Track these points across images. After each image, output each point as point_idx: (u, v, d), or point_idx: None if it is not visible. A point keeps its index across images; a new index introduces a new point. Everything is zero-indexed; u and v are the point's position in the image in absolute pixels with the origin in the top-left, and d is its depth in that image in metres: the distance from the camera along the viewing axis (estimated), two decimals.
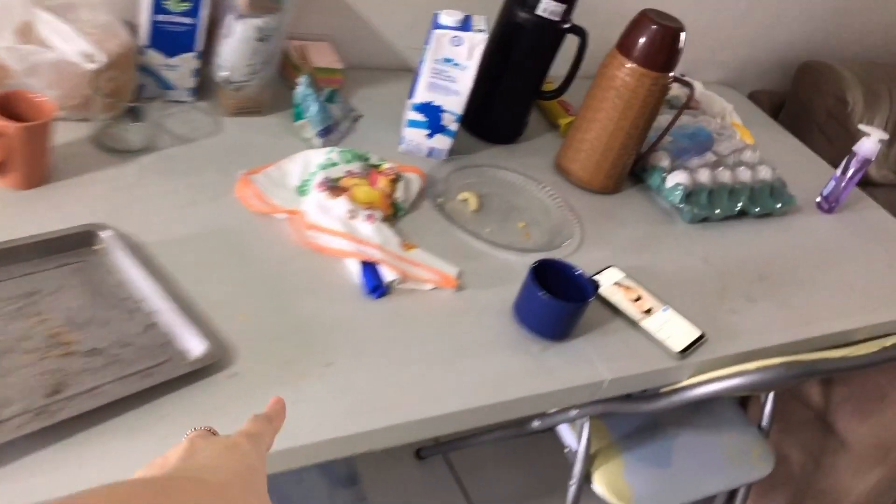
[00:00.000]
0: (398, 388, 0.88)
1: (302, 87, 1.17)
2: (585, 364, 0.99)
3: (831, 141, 1.89)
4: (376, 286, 0.97)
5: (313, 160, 1.11)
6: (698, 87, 1.65)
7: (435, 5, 1.24)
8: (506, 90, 1.31)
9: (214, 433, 0.55)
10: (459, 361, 0.93)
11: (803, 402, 1.68)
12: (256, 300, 0.91)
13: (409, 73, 1.43)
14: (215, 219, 1.00)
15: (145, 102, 1.07)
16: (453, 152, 1.27)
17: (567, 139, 1.34)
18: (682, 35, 1.21)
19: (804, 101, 1.91)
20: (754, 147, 1.53)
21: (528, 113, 1.38)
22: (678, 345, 1.06)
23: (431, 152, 1.25)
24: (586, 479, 1.30)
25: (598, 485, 1.29)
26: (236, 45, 1.11)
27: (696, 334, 1.08)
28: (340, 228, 1.01)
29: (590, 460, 1.29)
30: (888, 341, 1.14)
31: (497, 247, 1.11)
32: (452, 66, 1.16)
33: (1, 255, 0.82)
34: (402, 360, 0.91)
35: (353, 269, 0.99)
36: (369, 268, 0.99)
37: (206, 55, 1.14)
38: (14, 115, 0.90)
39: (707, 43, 1.82)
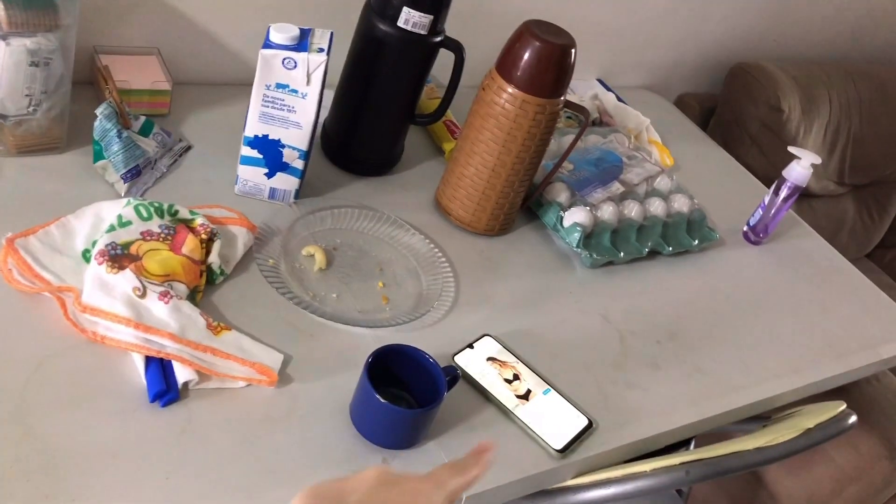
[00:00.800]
0: None
1: (100, 119, 0.94)
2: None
3: (765, 153, 1.71)
4: (161, 391, 0.75)
5: (107, 216, 0.88)
6: (610, 99, 1.45)
7: (288, 10, 1.02)
8: (371, 114, 1.09)
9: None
10: (274, 490, 0.73)
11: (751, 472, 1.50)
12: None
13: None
14: None
15: None
16: (307, 192, 1.06)
17: (446, 173, 1.13)
18: (572, 52, 1.00)
19: (736, 107, 1.72)
20: (672, 170, 1.34)
21: (401, 139, 1.16)
22: (558, 441, 0.86)
23: (274, 194, 1.03)
24: None
25: None
26: (5, 73, 0.88)
27: (583, 424, 0.89)
28: (123, 312, 0.79)
29: None
30: (810, 421, 0.96)
31: (342, 322, 0.90)
32: (289, 93, 0.94)
33: None
34: (194, 498, 0.70)
35: (137, 364, 0.78)
36: (156, 365, 0.77)
37: None
38: None
39: (627, 44, 1.62)
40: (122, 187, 0.95)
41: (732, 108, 1.73)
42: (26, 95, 0.90)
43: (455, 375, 0.83)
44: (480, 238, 1.13)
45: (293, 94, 0.94)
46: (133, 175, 0.96)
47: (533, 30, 0.99)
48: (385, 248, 1.04)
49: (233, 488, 0.72)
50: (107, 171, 0.95)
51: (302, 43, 0.93)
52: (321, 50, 0.93)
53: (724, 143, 1.66)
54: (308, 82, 0.93)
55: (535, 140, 1.04)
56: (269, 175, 1.01)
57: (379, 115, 1.10)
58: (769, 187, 1.31)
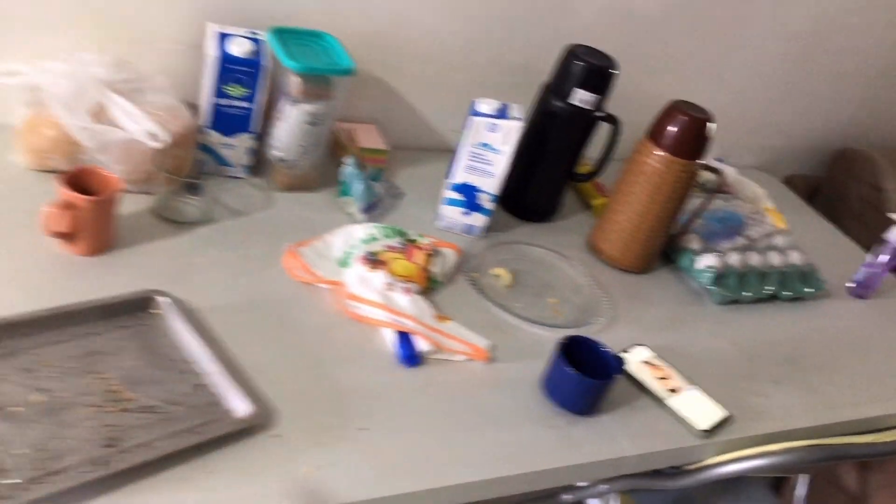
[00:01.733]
0: (429, 454, 0.92)
1: (348, 167, 1.25)
2: (610, 439, 1.03)
3: (867, 227, 1.91)
4: (411, 356, 1.02)
5: (355, 234, 1.18)
6: (731, 172, 1.69)
7: (473, 92, 1.32)
8: (541, 172, 1.38)
9: None
10: (488, 432, 0.98)
11: (839, 487, 1.66)
12: (298, 366, 0.97)
13: (448, 153, 1.51)
14: (263, 288, 1.07)
15: (204, 178, 1.16)
16: (489, 229, 1.34)
17: (600, 220, 1.39)
18: (711, 125, 1.27)
19: (840, 186, 1.94)
20: (787, 232, 1.56)
21: (562, 194, 1.44)
22: (703, 424, 1.08)
23: (468, 229, 1.31)
24: None
25: None
26: (289, 128, 1.20)
27: (722, 415, 1.11)
28: (378, 300, 1.07)
29: None
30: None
31: (527, 321, 1.16)
32: (489, 150, 1.23)
33: (65, 316, 0.90)
34: (433, 428, 0.95)
35: (390, 338, 1.05)
36: (405, 338, 1.04)
37: (262, 135, 1.23)
38: (84, 189, 0.99)
39: (742, 128, 1.87)
40: (361, 217, 1.25)
41: (837, 185, 1.95)
42: (300, 146, 1.22)
43: (622, 361, 1.07)
44: (627, 274, 1.38)
45: (492, 150, 1.23)
46: (369, 208, 1.26)
47: (680, 107, 1.27)
48: (553, 274, 1.30)
49: (463, 426, 0.97)
50: (349, 204, 1.26)
51: (502, 112, 1.23)
52: (517, 118, 1.23)
53: (830, 218, 1.87)
54: (505, 142, 1.22)
55: (677, 193, 1.30)
56: (466, 213, 1.29)
57: (548, 172, 1.38)
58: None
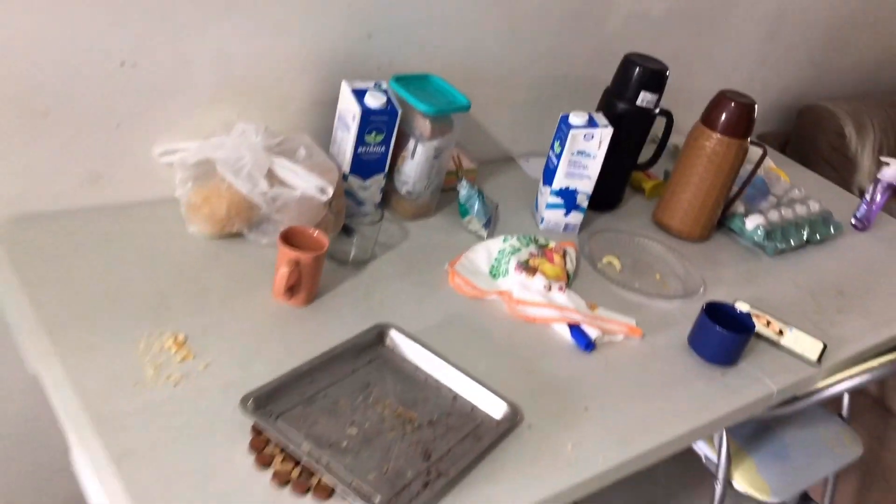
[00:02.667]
0: (640, 419, 1.11)
1: (465, 189, 1.41)
2: (756, 381, 1.24)
3: (836, 169, 2.22)
4: (588, 342, 1.20)
5: (493, 248, 1.34)
6: None
7: (530, 105, 1.49)
8: (610, 167, 1.57)
9: None
10: (668, 393, 1.17)
11: (864, 393, 1.96)
12: (509, 366, 1.13)
13: (510, 162, 1.70)
14: (444, 307, 1.22)
15: (350, 220, 1.29)
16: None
17: (664, 200, 1.61)
18: (755, 108, 1.50)
19: (808, 138, 2.24)
20: (795, 186, 1.83)
21: (627, 183, 1.65)
22: (813, 356, 1.32)
23: (567, 227, 1.50)
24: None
25: (740, 483, 1.54)
26: (417, 164, 1.35)
27: (821, 346, 1.35)
28: (543, 300, 1.24)
29: (729, 465, 1.54)
30: None
31: (651, 297, 1.37)
32: (585, 157, 1.42)
33: (334, 359, 1.03)
34: (631, 398, 1.14)
35: (561, 331, 1.23)
36: (575, 329, 1.22)
37: (389, 174, 1.37)
38: (295, 247, 1.11)
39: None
40: (483, 233, 1.41)
41: (806, 137, 2.25)
42: (426, 178, 1.37)
43: (751, 317, 1.29)
44: (693, 243, 1.60)
45: (587, 157, 1.42)
46: (488, 224, 1.42)
47: (728, 95, 1.49)
48: (645, 253, 1.51)
49: (649, 392, 1.16)
50: (471, 222, 1.41)
51: (592, 122, 1.42)
52: (606, 125, 1.42)
53: (803, 165, 2.17)
54: (599, 147, 1.41)
55: (733, 169, 1.53)
56: (566, 214, 1.48)
57: (616, 165, 1.58)
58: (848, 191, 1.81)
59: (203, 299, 1.09)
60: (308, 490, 0.87)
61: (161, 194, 1.26)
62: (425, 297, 1.23)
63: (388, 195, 1.40)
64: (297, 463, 0.89)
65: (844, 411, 1.77)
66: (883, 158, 1.80)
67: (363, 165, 1.32)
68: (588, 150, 1.41)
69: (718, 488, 1.54)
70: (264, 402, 0.93)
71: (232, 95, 1.26)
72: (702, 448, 1.58)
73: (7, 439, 1.37)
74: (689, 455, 1.61)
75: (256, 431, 0.91)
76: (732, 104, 1.49)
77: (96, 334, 0.99)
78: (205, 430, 0.90)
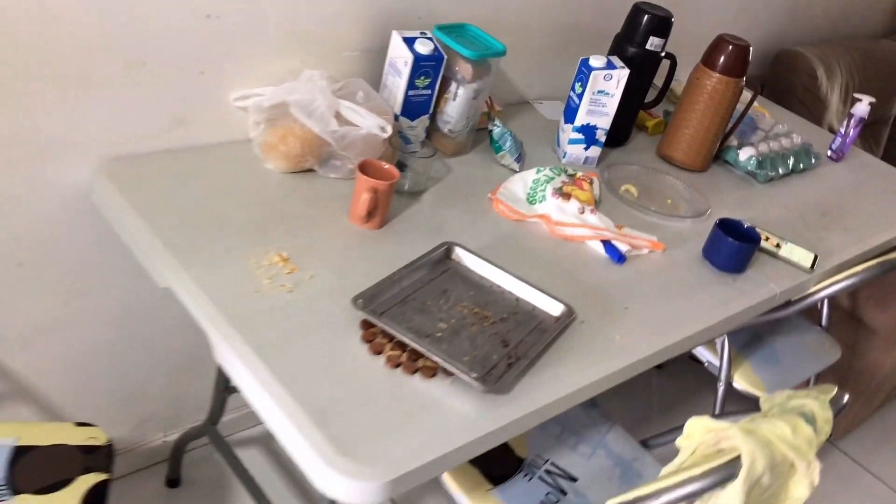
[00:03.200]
0: (672, 315, 1.30)
1: (499, 128, 1.57)
2: (762, 286, 1.44)
3: (808, 108, 2.43)
4: (620, 256, 1.39)
5: (528, 179, 1.51)
6: None
7: (543, 56, 1.65)
8: (622, 106, 1.74)
9: None
10: (692, 295, 1.36)
11: (838, 307, 2.19)
12: (556, 275, 1.31)
13: (526, 104, 1.86)
14: (493, 229, 1.39)
15: (403, 157, 1.44)
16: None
17: (668, 135, 1.79)
18: (750, 50, 1.68)
19: (784, 80, 2.44)
20: (778, 122, 2.03)
21: (634, 122, 1.82)
22: (807, 263, 1.52)
23: (586, 160, 1.67)
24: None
25: (740, 383, 1.75)
26: (459, 106, 1.50)
27: (812, 255, 1.55)
28: (577, 221, 1.42)
29: (730, 367, 1.74)
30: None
31: (667, 217, 1.55)
32: (604, 96, 1.59)
33: (414, 270, 1.19)
34: (661, 299, 1.33)
35: (596, 247, 1.41)
36: (608, 245, 1.40)
37: (433, 115, 1.52)
38: (371, 177, 1.26)
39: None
40: (515, 165, 1.58)
41: (781, 80, 2.45)
42: (466, 118, 1.53)
43: (757, 231, 1.48)
44: (695, 174, 1.79)
45: (606, 95, 1.59)
46: (519, 158, 1.59)
47: (726, 38, 1.67)
48: (656, 181, 1.69)
49: (675, 295, 1.35)
50: (504, 158, 1.58)
51: (610, 64, 1.58)
52: (623, 67, 1.58)
53: (780, 105, 2.37)
54: (617, 87, 1.58)
55: (732, 106, 1.71)
56: (587, 148, 1.65)
57: (626, 105, 1.75)
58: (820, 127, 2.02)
59: (291, 224, 1.25)
60: (416, 371, 1.04)
61: (234, 136, 1.40)
62: (476, 222, 1.40)
63: (430, 134, 1.55)
64: (403, 350, 1.06)
65: (824, 321, 2.00)
66: (856, 95, 2.00)
67: (412, 107, 1.47)
68: (607, 89, 1.58)
69: (721, 388, 1.75)
70: (369, 301, 1.10)
71: (297, 45, 1.40)
72: (705, 354, 1.79)
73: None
74: (679, 367, 1.82)
75: (366, 326, 1.08)
76: (730, 46, 1.67)
77: (212, 254, 1.13)
78: (323, 327, 1.06)
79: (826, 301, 1.99)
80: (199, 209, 1.22)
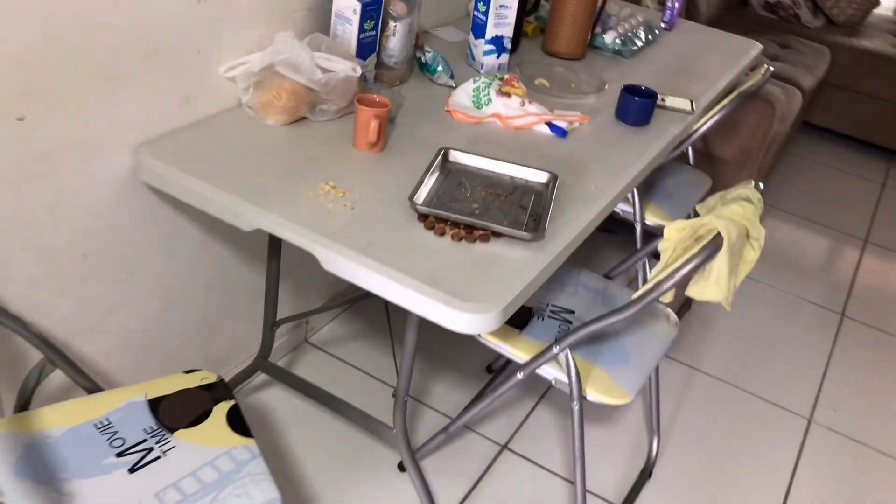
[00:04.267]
0: (615, 163, 1.66)
1: (431, 52, 1.85)
2: (664, 131, 1.85)
3: None
4: (563, 131, 1.73)
5: (468, 89, 1.81)
6: None
7: None
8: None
9: None
10: (621, 146, 1.74)
11: (696, 150, 2.68)
12: (524, 155, 1.64)
13: (426, 33, 2.14)
14: (461, 132, 1.69)
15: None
16: None
17: (550, 34, 2.14)
18: None
19: None
20: (621, 6, 2.44)
21: (521, 29, 2.16)
22: (687, 107, 1.95)
23: (499, 67, 1.99)
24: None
25: (651, 219, 2.18)
26: (400, 39, 1.77)
27: (689, 101, 1.98)
28: (522, 112, 1.75)
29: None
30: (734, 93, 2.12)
31: (578, 96, 1.92)
32: (504, 9, 1.91)
33: (430, 173, 1.47)
34: (603, 153, 1.69)
35: (542, 130, 1.74)
36: (552, 125, 1.75)
37: (378, 52, 1.77)
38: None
39: None
40: (451, 82, 1.87)
41: None
42: (405, 50, 1.79)
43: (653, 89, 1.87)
44: (576, 61, 2.16)
45: (506, 8, 1.91)
46: (452, 76, 1.88)
47: None
48: (555, 72, 2.05)
49: (609, 148, 1.73)
50: (440, 77, 1.86)
51: None
52: None
53: None
54: (511, 1, 1.90)
55: (599, 0, 2.09)
56: (498, 57, 1.97)
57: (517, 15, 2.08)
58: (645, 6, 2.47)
59: (316, 162, 1.48)
60: (475, 240, 1.34)
61: (226, 105, 1.59)
62: (446, 131, 1.69)
63: (378, 68, 1.81)
64: (458, 227, 1.35)
65: (691, 161, 2.47)
66: None
67: (364, 48, 1.72)
68: (506, 2, 1.90)
69: (638, 226, 2.17)
70: (416, 200, 1.37)
71: (262, 14, 1.59)
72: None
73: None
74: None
75: (422, 218, 1.35)
76: None
77: (276, 195, 1.36)
78: (391, 227, 1.33)
79: (690, 145, 2.46)
80: (237, 166, 1.42)
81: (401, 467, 1.92)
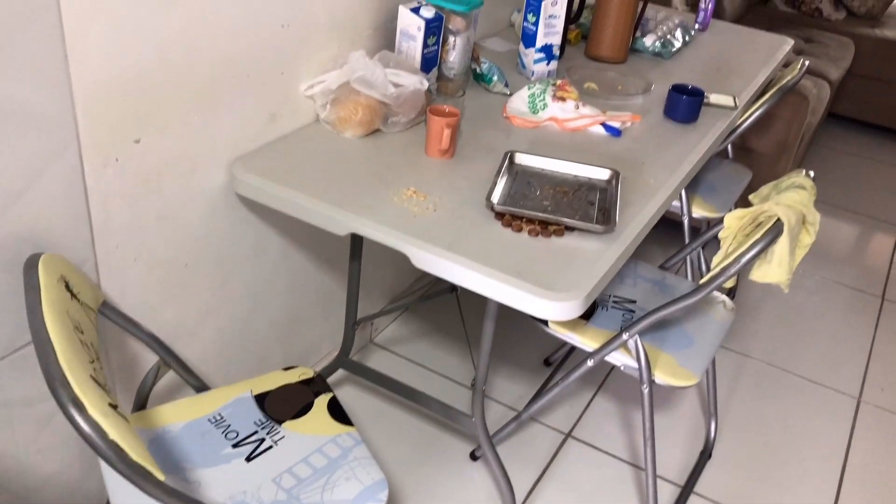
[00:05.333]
0: (670, 159, 1.76)
1: (487, 63, 1.96)
2: (711, 126, 1.94)
3: None
4: (617, 131, 1.84)
5: (523, 95, 1.92)
6: None
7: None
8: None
9: None
10: (675, 140, 1.84)
11: (734, 145, 2.77)
12: (584, 155, 1.74)
13: (475, 45, 2.25)
14: (522, 136, 1.79)
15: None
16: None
17: (593, 39, 2.25)
18: None
19: None
20: (656, 10, 2.54)
21: (567, 36, 2.27)
22: (731, 103, 2.04)
23: (549, 74, 2.10)
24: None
25: (698, 211, 2.27)
26: (459, 52, 1.88)
27: (732, 97, 2.07)
28: (577, 115, 1.85)
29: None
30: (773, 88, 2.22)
31: (626, 98, 2.02)
32: (553, 19, 2.01)
33: (500, 175, 1.58)
34: (658, 151, 1.79)
35: (597, 130, 1.85)
36: (607, 126, 1.85)
37: (439, 66, 1.89)
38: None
39: None
40: (506, 90, 1.98)
41: None
42: (463, 62, 1.90)
43: (700, 88, 1.97)
44: (620, 65, 2.26)
45: (555, 18, 2.02)
46: (507, 84, 1.99)
47: None
48: (601, 75, 2.15)
49: (656, 144, 1.82)
50: (496, 86, 1.97)
51: None
52: None
53: None
54: (562, 9, 2.01)
55: (636, 4, 2.19)
56: (548, 64, 2.08)
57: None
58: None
59: (395, 169, 1.59)
60: (551, 234, 1.44)
61: (305, 121, 1.71)
62: (508, 135, 1.80)
63: (438, 81, 1.92)
64: (533, 224, 1.45)
65: (730, 156, 2.57)
66: None
67: (426, 62, 1.83)
68: (555, 13, 2.01)
69: (685, 219, 2.27)
70: (493, 200, 1.48)
71: (336, 35, 1.71)
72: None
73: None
74: None
75: (500, 217, 1.46)
76: None
77: (365, 201, 1.47)
78: (473, 225, 1.43)
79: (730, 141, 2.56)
80: (325, 177, 1.53)
81: (472, 456, 2.03)
